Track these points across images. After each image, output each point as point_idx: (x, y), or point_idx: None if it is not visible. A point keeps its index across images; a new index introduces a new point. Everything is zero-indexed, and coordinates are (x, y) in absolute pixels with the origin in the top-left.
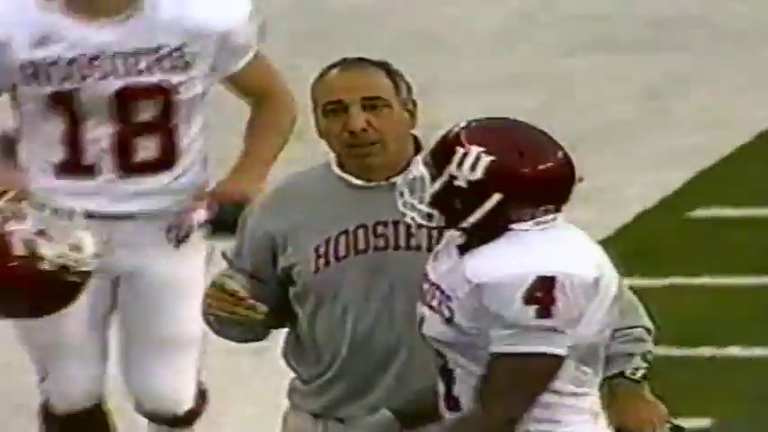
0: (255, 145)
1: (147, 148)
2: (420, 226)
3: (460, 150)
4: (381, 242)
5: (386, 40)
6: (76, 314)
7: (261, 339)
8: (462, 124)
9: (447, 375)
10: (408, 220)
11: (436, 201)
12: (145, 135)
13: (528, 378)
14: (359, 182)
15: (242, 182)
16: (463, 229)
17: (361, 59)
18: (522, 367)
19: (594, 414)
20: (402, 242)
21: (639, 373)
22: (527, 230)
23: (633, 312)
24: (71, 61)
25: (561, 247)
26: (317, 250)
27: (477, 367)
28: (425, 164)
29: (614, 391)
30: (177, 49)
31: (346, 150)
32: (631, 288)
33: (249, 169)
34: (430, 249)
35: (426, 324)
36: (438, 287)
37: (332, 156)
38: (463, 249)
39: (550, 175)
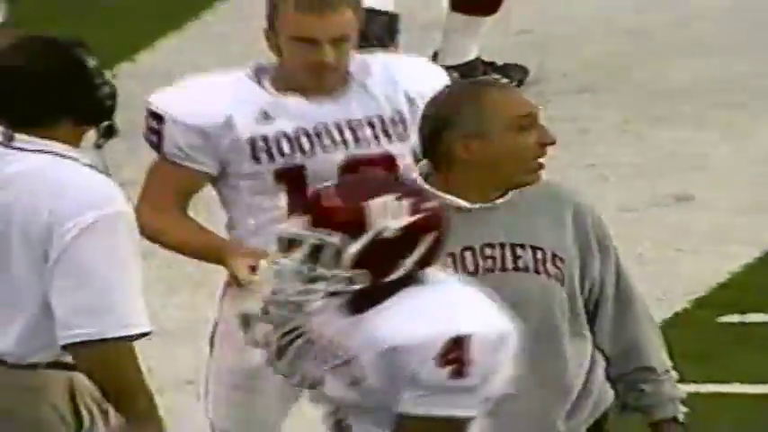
0: None
1: None
2: (334, 294)
3: (370, 203)
4: (489, 263)
5: None
6: (270, 390)
7: None
8: (325, 189)
9: (343, 430)
10: (310, 297)
11: (360, 260)
12: None
13: None
14: (467, 204)
15: None
16: (383, 285)
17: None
18: (429, 430)
19: None
20: (509, 264)
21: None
22: (426, 284)
23: (660, 349)
24: (296, 135)
25: (469, 304)
26: None
27: (379, 429)
28: (323, 231)
29: None
30: (394, 117)
31: (531, 164)
32: None
33: None
34: (537, 271)
35: (327, 385)
36: (335, 348)
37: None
38: (354, 306)
39: (441, 207)
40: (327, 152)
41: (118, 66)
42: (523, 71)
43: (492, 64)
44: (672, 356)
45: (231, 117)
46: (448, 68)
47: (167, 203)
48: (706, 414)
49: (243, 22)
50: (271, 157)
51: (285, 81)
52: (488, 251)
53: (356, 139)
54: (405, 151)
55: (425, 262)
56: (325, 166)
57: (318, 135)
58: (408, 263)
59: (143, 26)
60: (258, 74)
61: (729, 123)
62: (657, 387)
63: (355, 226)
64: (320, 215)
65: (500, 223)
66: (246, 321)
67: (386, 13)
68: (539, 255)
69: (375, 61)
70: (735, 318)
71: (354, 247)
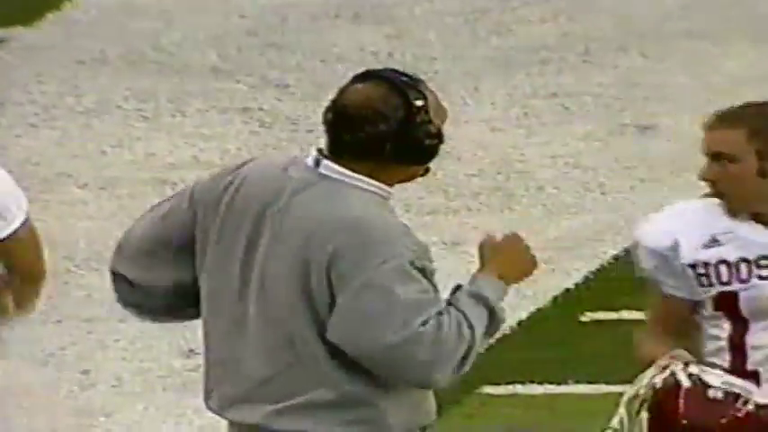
0: None
1: None
2: None
3: None
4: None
5: None
6: None
7: None
8: None
9: None
10: None
11: None
12: None
13: None
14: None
15: None
16: None
17: None
18: None
19: None
20: None
21: None
22: None
23: None
24: (738, 262)
25: None
26: None
27: None
28: None
29: None
30: None
31: None
32: None
33: None
34: None
35: None
36: None
37: None
38: None
39: None
40: (763, 282)
41: None
42: None
43: None
44: (632, 285)
45: (677, 241)
46: None
47: (658, 328)
48: None
49: None
50: (709, 283)
51: (737, 207)
52: None
53: None
54: None
55: None
56: (760, 295)
57: (758, 264)
58: None
59: None
60: None
61: (692, 52)
62: None
63: None
64: None
65: None
66: None
67: None
68: None
69: None
70: None
71: None
